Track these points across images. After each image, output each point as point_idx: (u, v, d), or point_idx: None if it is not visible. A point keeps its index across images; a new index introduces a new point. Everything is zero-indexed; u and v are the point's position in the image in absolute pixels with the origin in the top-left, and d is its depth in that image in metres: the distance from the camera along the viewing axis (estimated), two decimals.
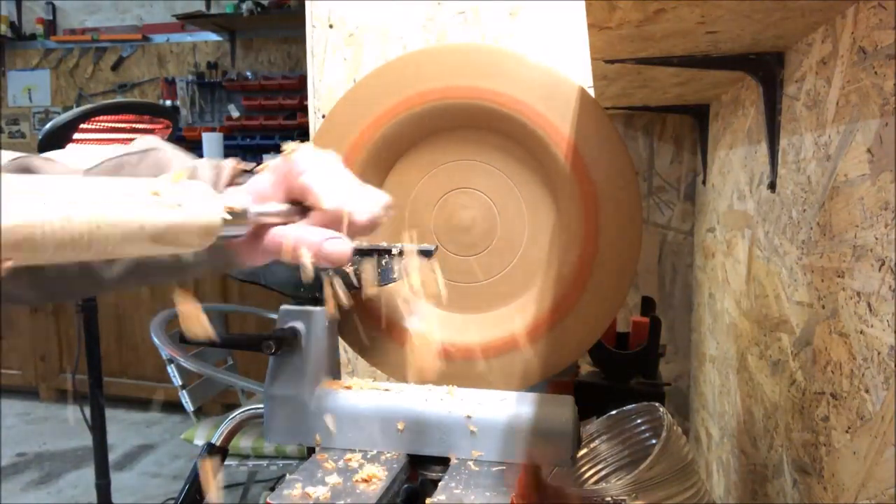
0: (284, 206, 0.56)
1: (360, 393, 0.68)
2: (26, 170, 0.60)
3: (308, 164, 0.57)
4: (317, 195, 0.55)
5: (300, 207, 0.57)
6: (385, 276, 0.70)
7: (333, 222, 0.56)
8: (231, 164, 0.63)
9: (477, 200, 0.78)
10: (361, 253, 0.71)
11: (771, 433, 0.99)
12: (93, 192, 0.41)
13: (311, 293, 0.71)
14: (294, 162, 0.58)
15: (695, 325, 1.82)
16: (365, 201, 0.58)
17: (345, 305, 0.61)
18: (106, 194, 0.41)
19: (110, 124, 1.88)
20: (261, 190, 0.59)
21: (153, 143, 0.65)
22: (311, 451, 0.69)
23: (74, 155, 0.64)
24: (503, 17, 1.12)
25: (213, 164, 0.63)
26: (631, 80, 1.22)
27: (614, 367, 1.04)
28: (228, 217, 0.49)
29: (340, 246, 0.55)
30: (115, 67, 4.72)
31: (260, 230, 0.55)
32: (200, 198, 0.47)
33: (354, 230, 0.58)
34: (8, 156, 0.62)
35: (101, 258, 0.42)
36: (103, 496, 2.04)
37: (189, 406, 2.17)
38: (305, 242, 0.54)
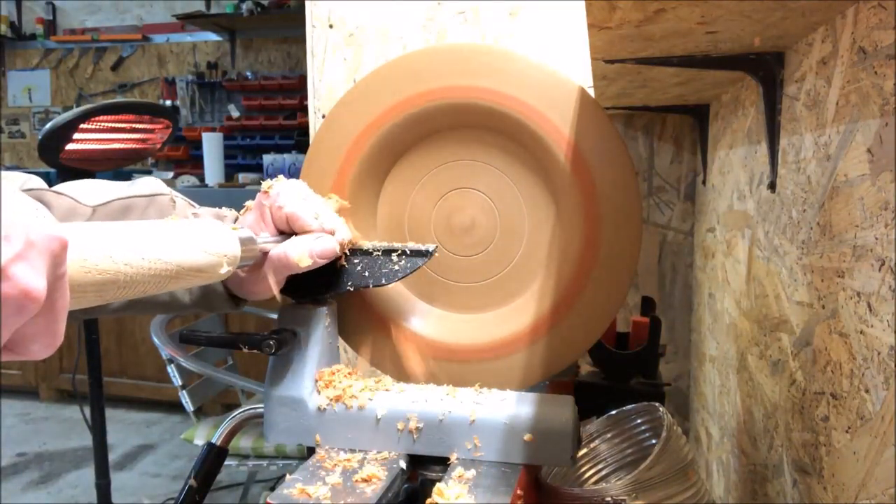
0: (279, 237, 0.67)
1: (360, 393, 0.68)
2: (39, 202, 0.63)
3: (286, 196, 0.67)
4: (303, 221, 0.66)
5: (288, 235, 0.67)
6: (386, 276, 0.70)
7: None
8: (232, 214, 0.73)
9: (477, 200, 0.78)
10: (363, 252, 0.71)
11: (771, 433, 0.99)
12: (146, 236, 0.48)
13: (312, 294, 0.71)
14: (274, 196, 0.68)
15: (695, 325, 1.82)
16: (340, 228, 0.69)
17: None
18: (155, 238, 0.48)
19: (110, 124, 1.88)
20: (248, 226, 0.68)
21: (158, 188, 0.73)
22: (311, 451, 0.69)
23: (83, 189, 0.69)
24: (503, 17, 1.12)
25: (215, 212, 0.73)
26: (631, 80, 1.22)
27: (614, 367, 1.04)
28: (242, 247, 0.58)
29: (329, 243, 0.66)
30: (115, 67, 4.72)
31: (260, 259, 0.65)
32: (220, 234, 0.56)
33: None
34: (15, 182, 0.65)
35: (156, 292, 0.49)
36: (103, 496, 2.04)
37: (189, 406, 2.17)
38: (307, 250, 0.65)
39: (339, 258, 0.70)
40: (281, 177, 0.70)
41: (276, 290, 0.69)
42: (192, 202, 0.75)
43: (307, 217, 0.66)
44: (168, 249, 0.48)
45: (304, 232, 0.66)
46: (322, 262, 0.66)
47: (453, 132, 0.78)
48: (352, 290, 0.71)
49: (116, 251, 0.44)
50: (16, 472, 3.04)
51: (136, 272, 0.45)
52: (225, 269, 0.56)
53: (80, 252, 0.41)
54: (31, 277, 0.34)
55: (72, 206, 0.67)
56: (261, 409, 0.70)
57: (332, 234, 0.67)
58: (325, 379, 0.68)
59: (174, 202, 0.72)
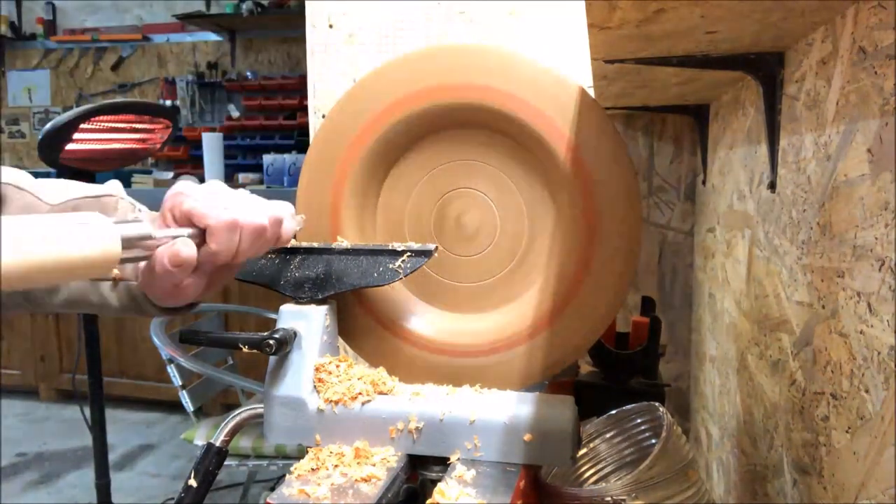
0: (183, 230, 0.60)
1: None
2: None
3: (189, 193, 0.61)
4: (201, 214, 0.59)
5: (198, 230, 0.60)
6: (386, 276, 0.70)
7: (229, 232, 0.60)
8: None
9: (477, 200, 0.78)
10: (362, 252, 0.71)
11: (771, 433, 0.99)
12: (17, 233, 0.44)
13: (311, 294, 0.71)
14: (176, 194, 0.62)
15: (695, 325, 1.82)
16: (255, 208, 0.62)
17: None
18: (26, 234, 0.45)
19: (110, 124, 1.88)
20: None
21: (108, 190, 0.72)
22: None
23: (49, 187, 0.70)
24: (503, 17, 1.12)
25: (155, 215, 0.67)
26: (631, 80, 1.22)
27: (614, 367, 1.04)
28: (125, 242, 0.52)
29: (181, 248, 0.58)
30: (115, 67, 4.72)
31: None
32: (100, 230, 0.50)
33: (267, 235, 0.63)
34: None
35: (20, 289, 0.46)
36: (103, 496, 2.03)
37: (189, 406, 2.17)
38: (165, 255, 0.58)
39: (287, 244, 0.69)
40: (190, 180, 0.68)
41: (189, 293, 0.63)
42: (137, 204, 0.73)
43: (207, 211, 0.59)
44: (14, 249, 0.45)
45: (203, 226, 0.60)
46: (174, 270, 0.58)
47: (453, 132, 0.78)
48: (352, 289, 0.71)
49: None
50: (16, 472, 3.04)
51: None
52: (100, 268, 0.50)
53: None
54: None
55: (32, 202, 0.68)
56: (261, 409, 0.70)
57: (235, 222, 0.60)
58: (324, 369, 0.68)
59: (118, 204, 0.72)
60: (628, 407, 0.95)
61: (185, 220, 0.61)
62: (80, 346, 2.04)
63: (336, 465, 0.63)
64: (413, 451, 0.65)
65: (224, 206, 0.61)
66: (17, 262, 0.45)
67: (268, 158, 4.00)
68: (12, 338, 3.83)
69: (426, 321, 0.79)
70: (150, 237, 0.55)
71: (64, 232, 0.48)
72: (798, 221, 0.87)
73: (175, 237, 0.58)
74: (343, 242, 0.75)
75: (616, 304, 0.75)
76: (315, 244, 0.74)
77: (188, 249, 0.58)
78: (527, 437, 0.63)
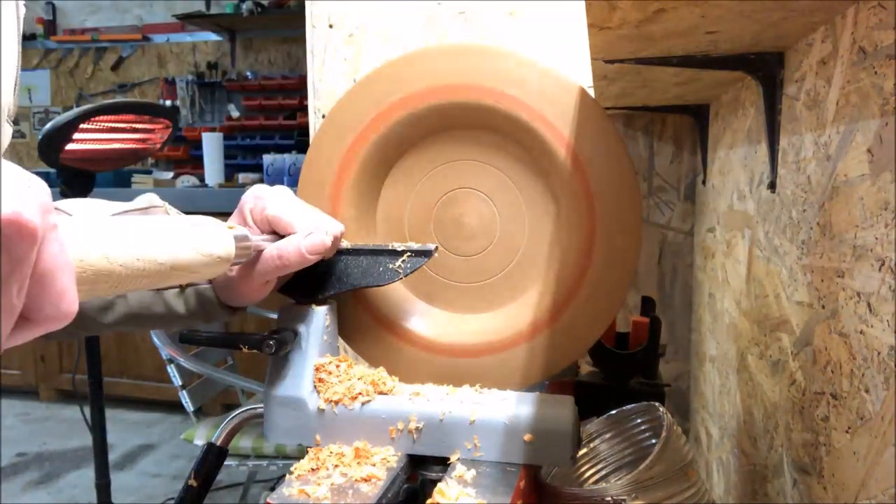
0: (268, 235, 0.66)
1: None
2: None
3: (270, 199, 0.67)
4: (287, 222, 0.65)
5: (277, 236, 0.66)
6: (386, 276, 0.70)
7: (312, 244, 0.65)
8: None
9: (477, 200, 0.78)
10: (362, 252, 0.71)
11: (771, 433, 0.99)
12: (142, 236, 0.47)
13: (312, 294, 0.71)
14: (257, 198, 0.67)
15: (695, 325, 1.82)
16: (327, 222, 0.67)
17: None
18: (150, 238, 0.48)
19: (110, 124, 1.88)
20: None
21: (153, 201, 0.73)
22: None
23: (83, 208, 0.69)
24: (503, 17, 1.12)
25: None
26: (631, 80, 1.22)
27: (614, 367, 1.04)
28: (237, 245, 0.58)
29: (318, 237, 0.64)
30: (115, 67, 4.72)
31: (252, 259, 0.64)
32: (215, 231, 0.55)
33: (328, 252, 0.67)
34: None
35: (144, 288, 0.48)
36: (103, 496, 2.04)
37: (189, 406, 2.17)
38: (297, 246, 0.64)
39: (335, 252, 0.70)
40: (263, 185, 0.70)
41: (265, 292, 0.67)
42: (181, 214, 0.74)
43: (291, 217, 0.65)
44: (162, 249, 0.48)
45: (289, 233, 0.65)
46: (313, 258, 0.64)
47: (453, 132, 0.78)
48: (352, 289, 0.71)
49: (112, 251, 0.43)
50: (16, 472, 3.04)
51: (129, 273, 0.45)
52: (219, 267, 0.55)
53: (78, 251, 0.41)
54: None
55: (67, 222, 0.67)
56: (261, 409, 0.70)
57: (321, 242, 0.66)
58: (324, 369, 0.68)
59: (167, 213, 0.72)
60: (628, 407, 0.94)
61: (266, 225, 0.66)
62: (80, 346, 2.04)
63: (336, 465, 0.63)
64: (413, 451, 0.65)
65: (303, 216, 0.66)
66: (167, 260, 0.49)
67: (268, 158, 4.00)
68: None
69: (426, 321, 0.79)
70: (248, 238, 0.60)
71: (194, 234, 0.52)
72: (798, 221, 0.87)
73: (269, 240, 0.64)
74: (343, 242, 0.75)
75: (616, 303, 0.75)
76: None
77: (328, 238, 0.65)
78: (527, 437, 0.63)
